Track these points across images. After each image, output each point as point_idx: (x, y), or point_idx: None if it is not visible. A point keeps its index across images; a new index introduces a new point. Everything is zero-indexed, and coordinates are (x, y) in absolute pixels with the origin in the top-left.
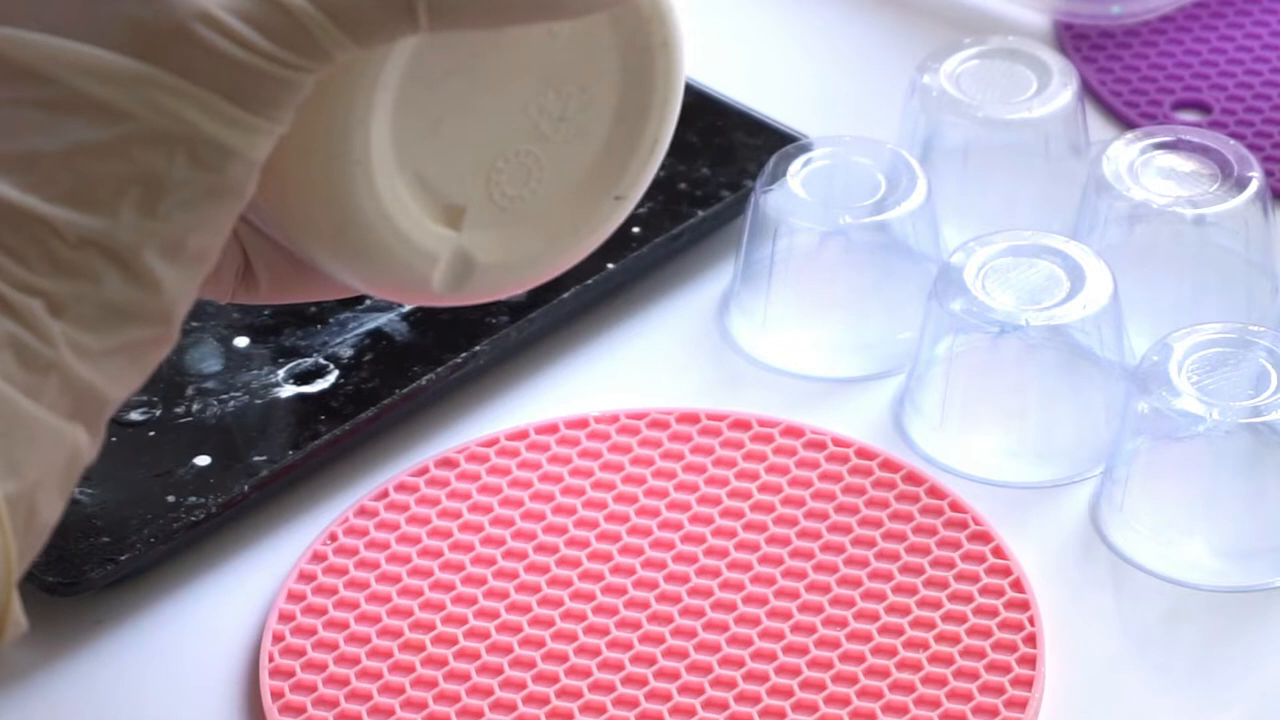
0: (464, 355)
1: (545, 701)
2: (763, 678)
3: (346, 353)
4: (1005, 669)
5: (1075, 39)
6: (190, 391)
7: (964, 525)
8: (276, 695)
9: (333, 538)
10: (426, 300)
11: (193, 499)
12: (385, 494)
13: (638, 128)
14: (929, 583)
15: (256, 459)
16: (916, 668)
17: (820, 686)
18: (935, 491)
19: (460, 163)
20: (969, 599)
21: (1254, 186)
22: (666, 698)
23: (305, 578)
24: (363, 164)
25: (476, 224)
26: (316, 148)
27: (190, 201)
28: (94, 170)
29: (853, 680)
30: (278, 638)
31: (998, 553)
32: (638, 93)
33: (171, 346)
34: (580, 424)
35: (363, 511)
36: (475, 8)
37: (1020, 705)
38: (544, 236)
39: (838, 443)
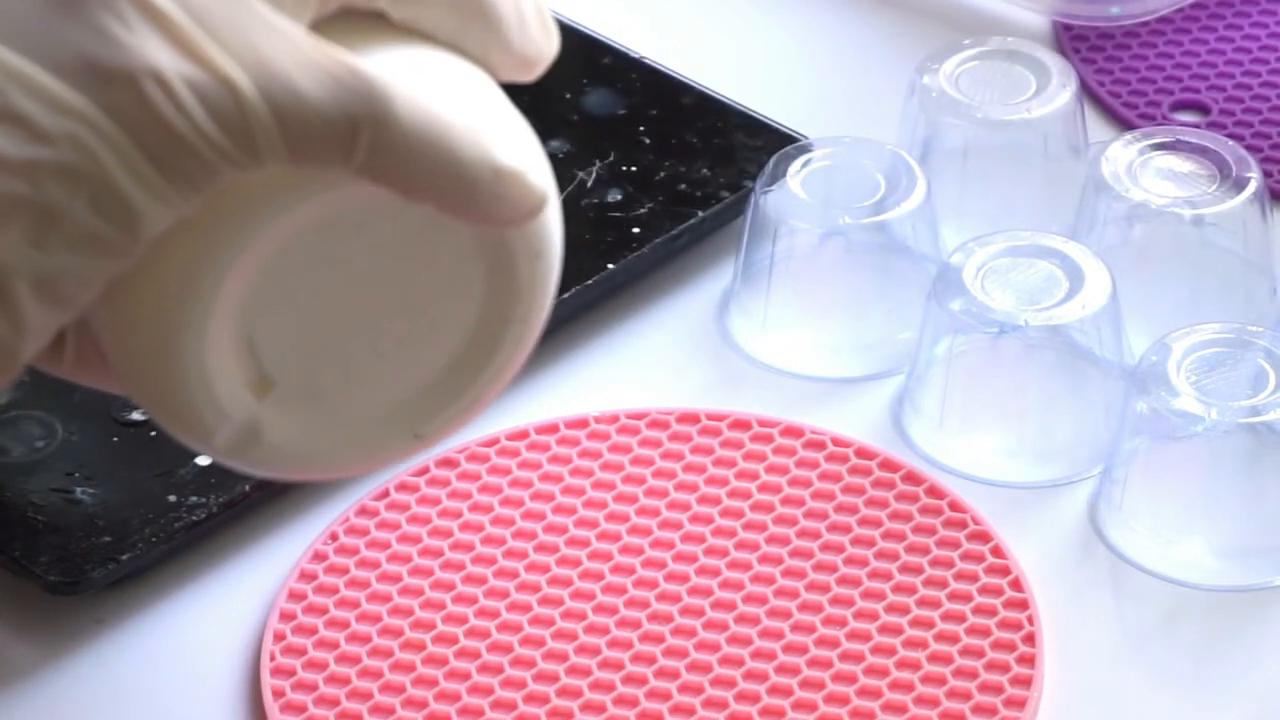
0: None
1: (545, 700)
2: (762, 677)
3: None
4: (1004, 668)
5: (1074, 40)
6: None
7: (963, 525)
8: (278, 694)
9: (334, 537)
10: (198, 449)
11: (194, 498)
12: (386, 493)
13: (466, 381)
14: (928, 582)
15: None
16: (916, 667)
17: (820, 685)
18: (935, 491)
19: (292, 344)
20: (968, 598)
21: (1252, 187)
22: (666, 697)
23: (306, 577)
24: (203, 311)
25: (278, 402)
26: (169, 273)
27: (77, 245)
28: None
29: (852, 679)
30: (279, 637)
31: (997, 552)
32: (480, 350)
33: (11, 381)
34: (580, 424)
35: (363, 511)
36: (409, 168)
37: (1019, 704)
38: (333, 442)
39: (837, 443)
